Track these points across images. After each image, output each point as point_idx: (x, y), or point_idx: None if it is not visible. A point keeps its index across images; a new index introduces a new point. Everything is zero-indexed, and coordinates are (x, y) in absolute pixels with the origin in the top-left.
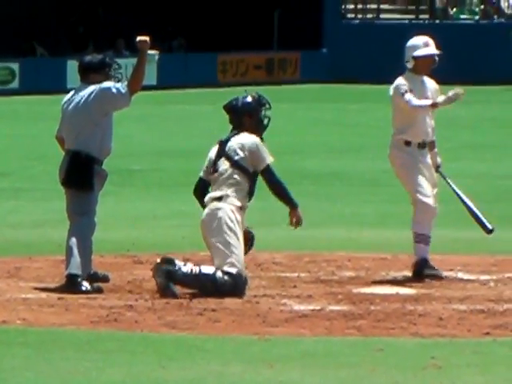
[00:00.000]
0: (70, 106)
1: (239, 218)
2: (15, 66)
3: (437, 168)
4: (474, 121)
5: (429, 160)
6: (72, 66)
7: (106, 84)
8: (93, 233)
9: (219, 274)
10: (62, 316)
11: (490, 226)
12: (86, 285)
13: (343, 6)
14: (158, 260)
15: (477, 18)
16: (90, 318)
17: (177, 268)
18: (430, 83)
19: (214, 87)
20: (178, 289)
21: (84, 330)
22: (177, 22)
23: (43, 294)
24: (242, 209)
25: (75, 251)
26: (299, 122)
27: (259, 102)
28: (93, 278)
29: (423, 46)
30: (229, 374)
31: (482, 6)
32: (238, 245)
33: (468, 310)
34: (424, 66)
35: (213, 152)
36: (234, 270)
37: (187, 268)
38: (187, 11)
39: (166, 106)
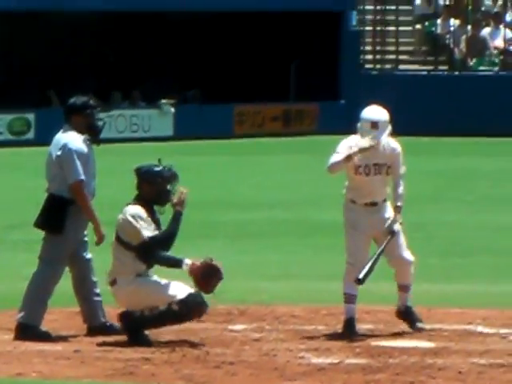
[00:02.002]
0: (50, 154)
1: (137, 279)
2: (31, 117)
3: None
4: (495, 173)
5: (381, 216)
6: None
7: (73, 147)
8: (55, 283)
9: (174, 306)
10: (78, 369)
11: (360, 276)
12: (38, 331)
13: (361, 57)
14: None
15: (496, 69)
16: (106, 370)
17: (138, 315)
18: (388, 148)
19: (230, 138)
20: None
21: (99, 383)
22: (192, 73)
23: (59, 347)
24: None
25: (31, 300)
26: (316, 174)
27: (161, 174)
28: (109, 329)
29: (370, 127)
30: None
31: (502, 57)
32: (158, 284)
33: (487, 364)
34: None
35: None
36: (182, 296)
37: (147, 312)
38: (203, 62)
39: (182, 157)
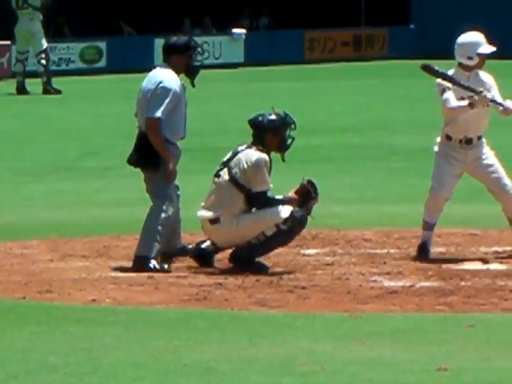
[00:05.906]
0: (143, 89)
1: (242, 214)
2: (102, 45)
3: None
4: None
5: (474, 155)
6: (159, 44)
7: (168, 85)
8: (169, 215)
9: (283, 226)
10: (152, 295)
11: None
12: (153, 263)
13: None
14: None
15: None
16: (180, 296)
17: (246, 247)
18: (486, 78)
19: (301, 64)
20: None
21: (174, 309)
22: (263, 0)
23: (132, 273)
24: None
25: (146, 233)
26: (387, 98)
27: (284, 121)
28: (183, 251)
29: (485, 42)
30: (319, 351)
31: None
32: (258, 212)
33: None
34: (482, 63)
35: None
36: (287, 214)
37: (254, 241)
38: None
39: (253, 84)
